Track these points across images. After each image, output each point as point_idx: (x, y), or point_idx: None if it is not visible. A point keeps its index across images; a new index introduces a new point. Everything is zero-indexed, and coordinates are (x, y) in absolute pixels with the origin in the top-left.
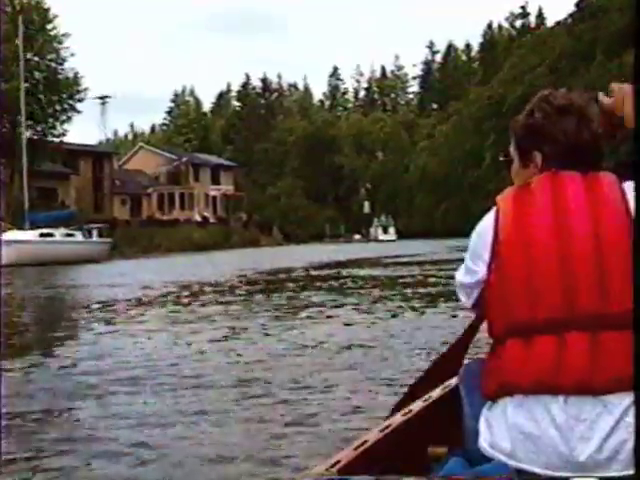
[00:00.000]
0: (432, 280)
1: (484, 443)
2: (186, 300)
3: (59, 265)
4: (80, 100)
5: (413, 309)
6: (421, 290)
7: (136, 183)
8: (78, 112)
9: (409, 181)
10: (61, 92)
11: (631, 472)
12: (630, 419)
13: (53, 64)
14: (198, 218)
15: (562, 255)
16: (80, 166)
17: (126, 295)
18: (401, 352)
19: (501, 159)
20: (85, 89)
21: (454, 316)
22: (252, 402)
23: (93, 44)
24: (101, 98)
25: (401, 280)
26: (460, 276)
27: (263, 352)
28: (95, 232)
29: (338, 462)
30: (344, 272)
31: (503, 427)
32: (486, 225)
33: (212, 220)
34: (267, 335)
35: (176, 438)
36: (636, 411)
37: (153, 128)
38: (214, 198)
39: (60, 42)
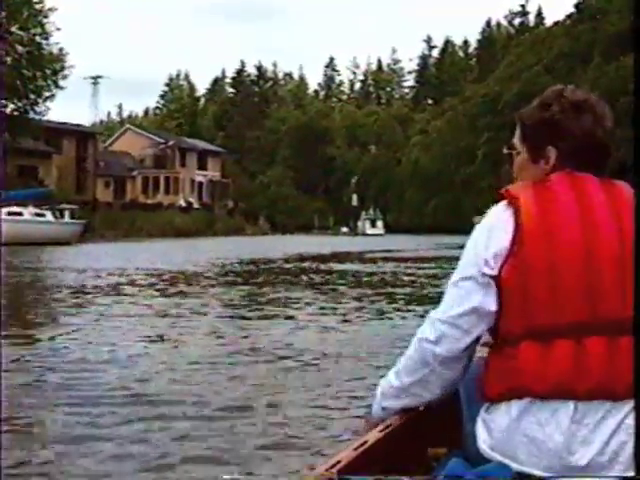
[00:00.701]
0: (408, 279)
1: (483, 445)
2: (144, 291)
3: (27, 246)
4: (64, 77)
5: (380, 313)
6: (395, 290)
7: (121, 165)
8: (61, 88)
9: (400, 175)
10: (44, 67)
11: (631, 474)
12: (630, 421)
13: (37, 38)
14: (182, 203)
15: (588, 258)
16: (63, 145)
17: (81, 282)
18: (357, 367)
19: (505, 151)
20: (70, 66)
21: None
22: (149, 427)
23: (90, 25)
24: (93, 78)
25: (377, 277)
26: (459, 304)
27: (200, 357)
28: (67, 213)
29: (338, 462)
30: (322, 266)
31: (505, 429)
32: (501, 220)
33: (196, 206)
34: (211, 337)
35: None
36: (636, 413)
37: (147, 111)
38: (200, 184)
39: (46, 16)
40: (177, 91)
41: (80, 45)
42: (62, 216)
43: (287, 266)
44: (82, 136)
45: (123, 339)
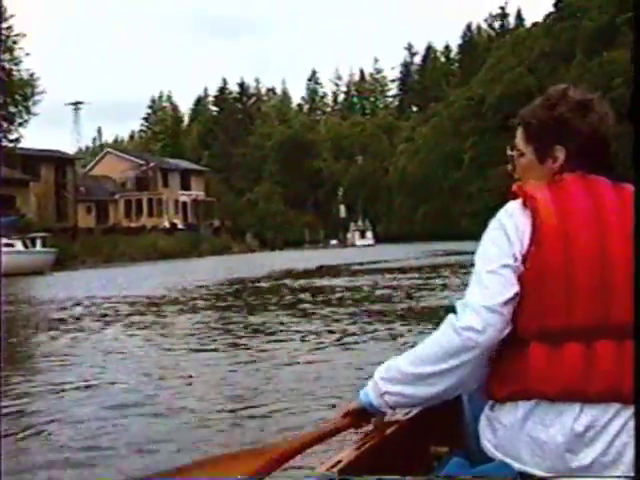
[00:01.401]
0: (390, 293)
1: (487, 444)
2: (104, 320)
3: None
4: (35, 102)
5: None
6: (374, 307)
7: (102, 189)
8: (34, 115)
9: (389, 184)
10: (14, 93)
11: (632, 474)
12: (632, 423)
13: (7, 64)
14: (166, 225)
15: (603, 260)
16: (41, 172)
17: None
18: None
19: (508, 153)
20: (41, 91)
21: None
22: None
23: (68, 50)
24: (74, 104)
25: (357, 294)
26: (487, 297)
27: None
28: (39, 241)
29: (339, 462)
30: (302, 282)
31: (509, 429)
32: (518, 219)
33: (181, 226)
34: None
35: None
36: (636, 413)
37: (132, 135)
38: (184, 204)
39: (15, 42)
40: (160, 113)
41: (60, 71)
42: (33, 245)
43: (265, 285)
44: (60, 162)
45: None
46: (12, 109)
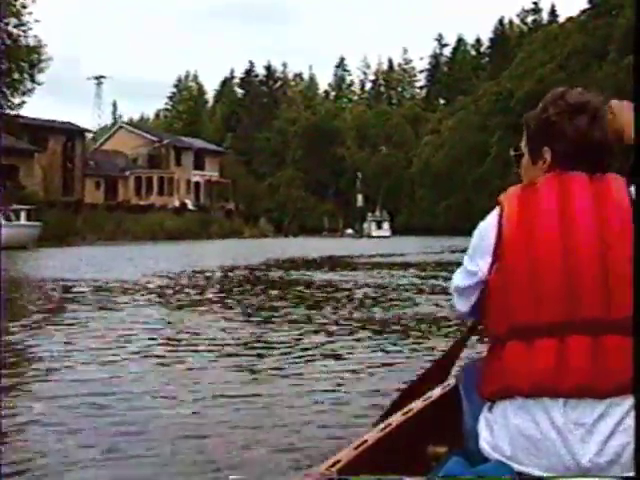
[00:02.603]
0: (392, 296)
1: (485, 444)
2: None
3: None
4: (40, 70)
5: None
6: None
7: (113, 165)
8: (38, 84)
9: (411, 176)
10: (20, 60)
11: (631, 474)
12: (630, 422)
13: (15, 30)
14: (176, 204)
15: (566, 258)
16: (49, 143)
17: None
18: None
19: (512, 154)
20: (48, 59)
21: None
22: None
23: (96, 26)
24: (96, 78)
25: (357, 291)
26: (458, 280)
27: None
28: (23, 214)
29: (338, 462)
30: (294, 275)
31: (504, 429)
32: (489, 225)
33: (191, 207)
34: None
35: None
36: (636, 413)
37: (158, 114)
38: (197, 184)
39: (24, 6)
40: (185, 92)
41: (89, 47)
42: (17, 218)
43: (258, 274)
44: (70, 134)
45: None
46: (16, 76)
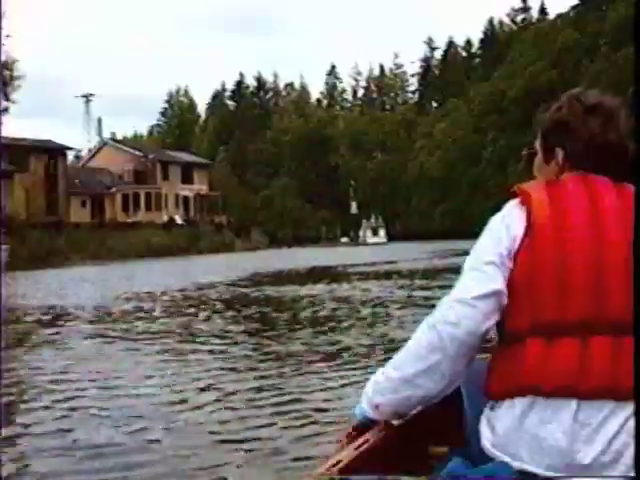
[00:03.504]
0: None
1: (487, 443)
2: None
3: None
4: (14, 88)
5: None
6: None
7: (98, 182)
8: (12, 102)
9: (407, 181)
10: None
11: (632, 474)
12: (632, 423)
13: None
14: (165, 220)
15: (597, 255)
16: (30, 163)
17: None
18: None
19: (524, 152)
20: (20, 76)
21: None
22: None
23: (83, 44)
24: (85, 97)
25: (322, 308)
26: (472, 289)
27: None
28: None
29: (339, 462)
30: (268, 291)
31: (508, 427)
32: (514, 214)
33: (180, 222)
34: None
35: None
36: (636, 413)
37: (151, 131)
38: (185, 198)
39: None
40: (177, 107)
41: (78, 66)
42: None
43: (224, 297)
44: (52, 153)
45: None
46: None
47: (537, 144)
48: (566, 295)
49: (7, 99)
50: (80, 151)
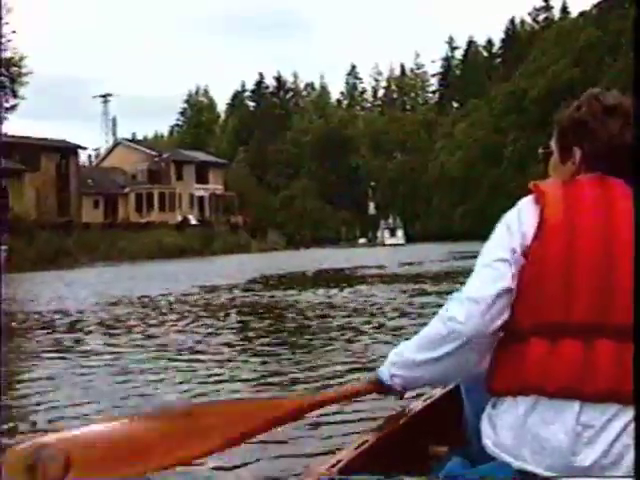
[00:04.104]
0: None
1: (488, 442)
2: None
3: None
4: (22, 84)
5: None
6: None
7: (112, 182)
8: (21, 98)
9: (427, 182)
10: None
11: (631, 475)
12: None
13: None
14: (178, 220)
15: (607, 258)
16: (41, 163)
17: None
18: None
19: (540, 151)
20: (28, 72)
21: None
22: None
23: (104, 44)
24: (103, 96)
25: (325, 320)
26: (481, 288)
27: None
28: None
29: (339, 462)
30: (262, 296)
31: (509, 426)
32: (527, 210)
33: (194, 222)
34: None
35: None
36: (636, 413)
37: (172, 131)
38: (200, 199)
39: None
40: (196, 107)
41: (98, 67)
42: None
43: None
44: (64, 152)
45: None
46: None
47: (553, 143)
48: (572, 296)
49: (15, 96)
50: (98, 149)
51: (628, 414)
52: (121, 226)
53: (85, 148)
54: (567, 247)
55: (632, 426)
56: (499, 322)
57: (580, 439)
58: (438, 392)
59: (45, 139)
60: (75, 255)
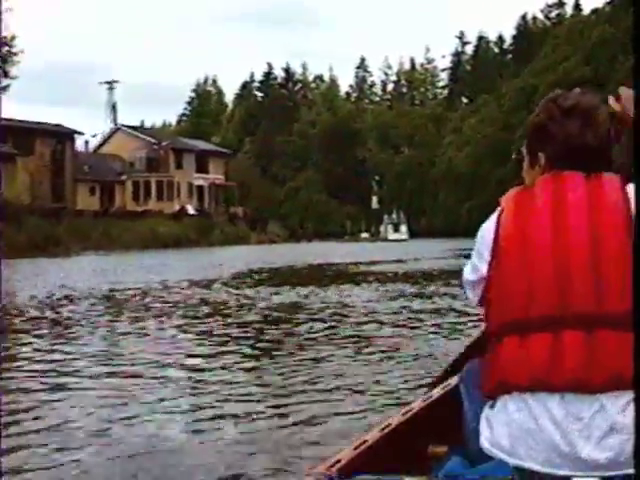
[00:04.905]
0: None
1: (485, 442)
2: None
3: None
4: (13, 63)
5: None
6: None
7: (109, 169)
8: (13, 78)
9: (434, 177)
10: None
11: (631, 471)
12: (627, 419)
13: None
14: (176, 209)
15: (558, 255)
16: (36, 147)
17: None
18: None
19: (513, 157)
20: (20, 51)
21: None
22: None
23: (112, 31)
24: (108, 83)
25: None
26: (466, 273)
27: None
28: None
29: (339, 461)
30: (231, 294)
31: (503, 425)
32: (489, 224)
33: (192, 212)
34: None
35: None
36: (636, 410)
37: (180, 120)
38: (200, 188)
39: None
40: (204, 97)
41: (108, 54)
42: None
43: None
44: (59, 137)
45: None
46: None
47: (523, 149)
48: (531, 294)
49: (6, 75)
50: (95, 135)
51: (617, 406)
52: (115, 214)
53: (82, 133)
54: (520, 250)
55: (625, 420)
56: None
57: (572, 432)
58: (438, 392)
59: (40, 123)
60: (66, 243)
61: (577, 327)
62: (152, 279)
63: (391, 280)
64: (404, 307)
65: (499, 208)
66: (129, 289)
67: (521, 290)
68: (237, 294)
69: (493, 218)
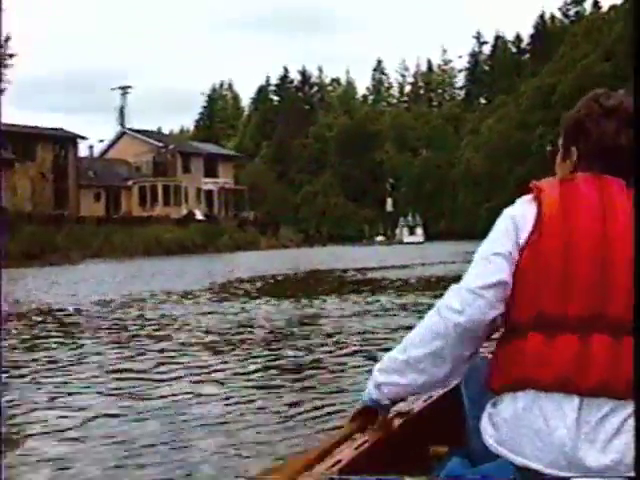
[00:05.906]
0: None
1: (489, 439)
2: None
3: None
4: (6, 66)
5: None
6: None
7: (115, 174)
8: (7, 83)
9: (453, 179)
10: None
11: (632, 475)
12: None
13: None
14: (184, 214)
15: (603, 253)
16: (37, 153)
17: None
18: None
19: (548, 149)
20: (12, 54)
21: None
22: None
23: (127, 36)
24: (122, 88)
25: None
26: (477, 278)
27: None
28: None
29: (339, 461)
30: (212, 307)
31: (510, 422)
32: (525, 208)
33: (200, 217)
34: None
35: None
36: (636, 411)
37: (197, 125)
38: (209, 192)
39: None
40: (221, 102)
41: (122, 60)
42: None
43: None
44: (61, 142)
45: None
46: None
47: (559, 141)
48: (569, 290)
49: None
50: (102, 141)
51: (626, 410)
52: (119, 220)
53: (86, 138)
54: (564, 243)
55: (630, 422)
56: (493, 313)
57: (579, 435)
58: (438, 391)
59: (41, 128)
60: (65, 251)
61: (607, 332)
62: (133, 289)
63: (385, 290)
64: (383, 326)
65: (533, 194)
66: (88, 304)
67: (559, 285)
68: (220, 307)
69: (528, 202)
